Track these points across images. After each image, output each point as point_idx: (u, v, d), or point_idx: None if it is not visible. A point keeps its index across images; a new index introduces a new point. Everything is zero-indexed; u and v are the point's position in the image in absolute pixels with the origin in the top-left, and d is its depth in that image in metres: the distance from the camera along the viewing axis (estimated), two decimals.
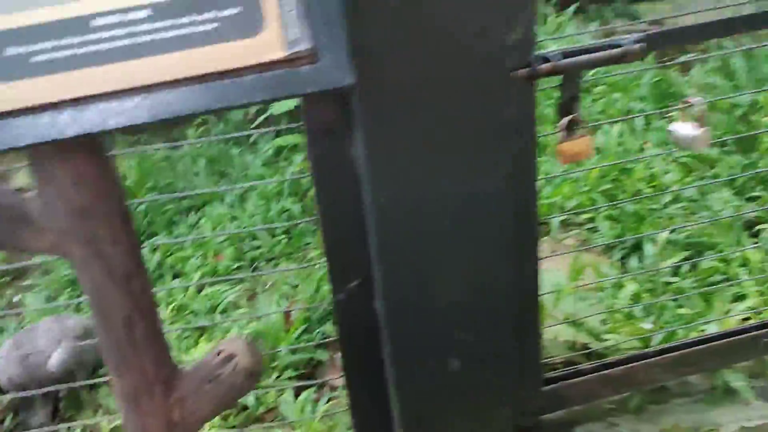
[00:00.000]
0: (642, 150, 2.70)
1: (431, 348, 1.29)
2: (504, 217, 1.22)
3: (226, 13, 0.77)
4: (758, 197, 2.34)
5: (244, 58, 0.78)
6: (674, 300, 1.85)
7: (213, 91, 0.78)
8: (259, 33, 0.78)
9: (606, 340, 1.65)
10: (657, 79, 3.11)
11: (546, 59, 1.17)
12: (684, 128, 1.32)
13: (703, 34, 1.24)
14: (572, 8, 3.96)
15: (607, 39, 1.26)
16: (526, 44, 1.14)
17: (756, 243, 2.11)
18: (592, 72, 3.22)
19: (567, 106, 1.21)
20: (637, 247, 2.14)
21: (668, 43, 1.16)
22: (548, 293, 1.69)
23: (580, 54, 1.17)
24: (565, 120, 1.21)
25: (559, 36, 3.40)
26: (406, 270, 1.21)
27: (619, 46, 1.19)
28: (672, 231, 2.12)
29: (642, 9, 4.72)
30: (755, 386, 1.58)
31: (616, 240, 2.15)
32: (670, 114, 2.59)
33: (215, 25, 0.77)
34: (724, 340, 1.56)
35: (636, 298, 1.86)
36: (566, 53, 1.17)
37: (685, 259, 2.05)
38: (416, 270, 1.22)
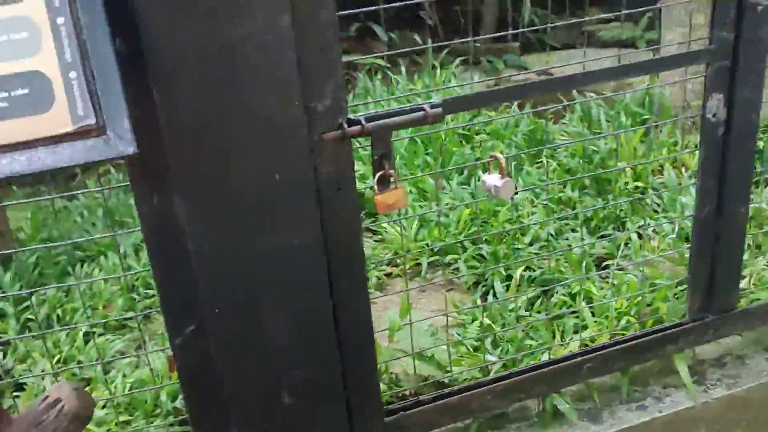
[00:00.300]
0: (516, 193, 2.91)
1: (264, 386, 1.39)
2: (324, 265, 1.35)
3: (17, 93, 0.88)
4: (609, 235, 2.57)
5: (37, 131, 0.89)
6: (524, 332, 2.02)
7: (7, 160, 0.89)
8: (49, 110, 0.89)
9: (449, 372, 1.79)
10: (531, 127, 3.37)
11: (357, 122, 1.32)
12: (491, 179, 1.50)
13: (494, 99, 1.42)
14: (458, 60, 4.24)
15: (423, 101, 1.42)
16: (336, 109, 1.28)
17: (601, 277, 2.32)
18: (476, 120, 3.45)
19: (379, 162, 1.36)
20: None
21: (462, 107, 1.33)
22: (381, 331, 1.82)
23: (386, 117, 1.33)
24: (377, 175, 1.36)
25: (443, 87, 3.64)
26: (233, 315, 1.32)
27: (422, 110, 1.36)
28: (526, 269, 2.30)
29: (531, 60, 5.09)
30: (581, 408, 1.74)
31: (471, 274, 2.32)
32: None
33: (6, 104, 0.88)
34: (553, 367, 1.72)
35: (486, 331, 2.01)
36: (372, 116, 1.32)
37: (540, 293, 2.23)
38: (242, 315, 1.32)
